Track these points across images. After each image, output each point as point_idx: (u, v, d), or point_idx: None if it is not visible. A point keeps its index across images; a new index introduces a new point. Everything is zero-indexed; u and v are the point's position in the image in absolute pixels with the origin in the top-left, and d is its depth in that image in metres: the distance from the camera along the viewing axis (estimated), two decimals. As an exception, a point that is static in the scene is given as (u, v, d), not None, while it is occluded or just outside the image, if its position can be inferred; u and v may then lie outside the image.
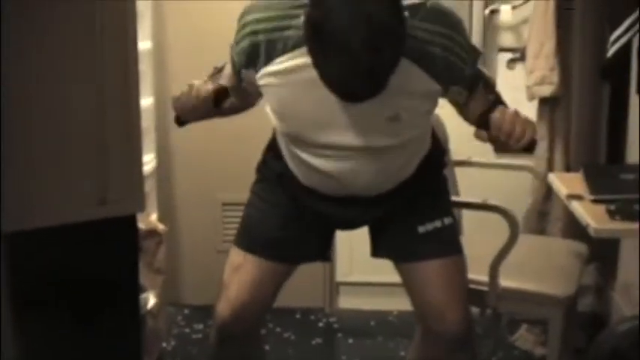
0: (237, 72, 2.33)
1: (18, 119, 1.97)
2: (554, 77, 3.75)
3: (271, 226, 2.62)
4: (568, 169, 3.81)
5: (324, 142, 2.28)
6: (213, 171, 4.25)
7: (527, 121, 2.20)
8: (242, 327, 2.62)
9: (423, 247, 2.57)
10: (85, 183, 2.16)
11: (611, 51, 3.59)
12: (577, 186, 3.04)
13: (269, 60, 2.18)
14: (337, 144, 2.28)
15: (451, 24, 2.22)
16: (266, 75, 2.21)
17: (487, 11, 4.16)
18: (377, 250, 2.70)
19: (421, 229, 2.57)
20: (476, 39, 4.11)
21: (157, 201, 3.99)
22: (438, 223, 2.58)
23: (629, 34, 3.51)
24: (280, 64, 2.18)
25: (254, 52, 2.20)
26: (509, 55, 4.17)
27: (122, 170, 2.07)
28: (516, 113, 2.20)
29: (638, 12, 3.43)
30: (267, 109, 2.36)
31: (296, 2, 2.13)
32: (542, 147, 3.82)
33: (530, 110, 3.88)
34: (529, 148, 2.27)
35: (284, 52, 2.15)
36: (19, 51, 2.03)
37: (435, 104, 2.37)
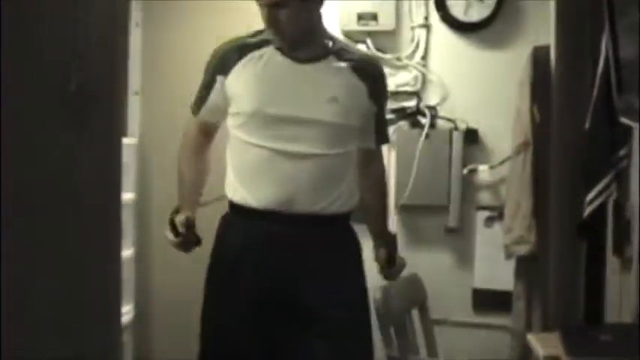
0: (209, 89, 2.79)
1: None
2: (532, 236, 3.80)
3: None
4: (547, 327, 3.81)
5: (281, 114, 2.67)
6: (195, 321, 4.21)
7: None
8: None
9: None
10: (61, 341, 2.14)
11: (587, 211, 3.65)
12: (555, 346, 3.03)
13: (238, 60, 2.73)
14: (290, 116, 2.67)
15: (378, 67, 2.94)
16: (238, 70, 2.72)
17: (465, 170, 4.25)
18: None
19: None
20: (454, 197, 4.19)
21: (132, 350, 3.95)
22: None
23: (603, 196, 3.58)
24: (248, 59, 2.73)
25: (225, 60, 2.75)
26: (487, 214, 4.23)
27: (100, 326, 2.06)
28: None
29: (610, 175, 3.51)
30: (231, 122, 2.78)
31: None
32: (519, 306, 3.83)
33: (508, 268, 3.93)
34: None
35: (248, 52, 2.74)
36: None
37: (359, 113, 2.77)
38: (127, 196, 3.83)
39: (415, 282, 3.62)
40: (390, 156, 4.29)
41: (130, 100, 4.20)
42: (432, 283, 3.12)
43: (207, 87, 2.79)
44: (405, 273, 3.14)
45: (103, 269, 1.90)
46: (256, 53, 2.73)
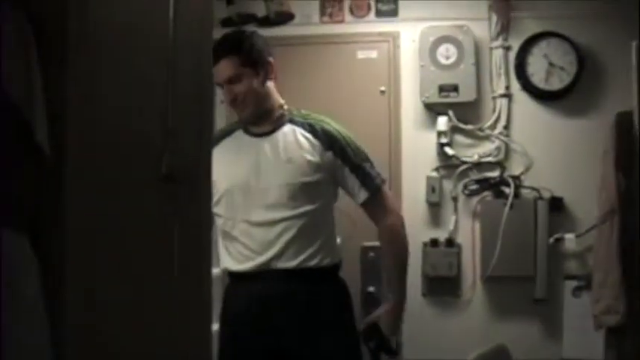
0: None
1: None
2: (620, 306, 3.74)
3: None
4: (640, 400, 3.72)
5: (247, 187, 2.94)
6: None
7: None
8: None
9: None
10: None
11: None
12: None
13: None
14: (255, 187, 2.94)
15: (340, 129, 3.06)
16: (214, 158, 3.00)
17: (551, 240, 4.21)
18: None
19: None
20: (541, 267, 4.15)
21: None
22: None
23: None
24: (220, 147, 3.01)
25: None
26: (574, 283, 4.18)
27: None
28: None
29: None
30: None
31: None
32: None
33: (598, 338, 3.86)
34: None
35: (221, 140, 3.07)
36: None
37: (317, 166, 2.95)
38: (214, 271, 3.88)
39: (503, 353, 3.58)
40: (474, 227, 4.29)
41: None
42: (520, 354, 3.08)
43: None
44: (492, 344, 3.12)
45: (194, 344, 1.94)
46: (227, 139, 3.08)
